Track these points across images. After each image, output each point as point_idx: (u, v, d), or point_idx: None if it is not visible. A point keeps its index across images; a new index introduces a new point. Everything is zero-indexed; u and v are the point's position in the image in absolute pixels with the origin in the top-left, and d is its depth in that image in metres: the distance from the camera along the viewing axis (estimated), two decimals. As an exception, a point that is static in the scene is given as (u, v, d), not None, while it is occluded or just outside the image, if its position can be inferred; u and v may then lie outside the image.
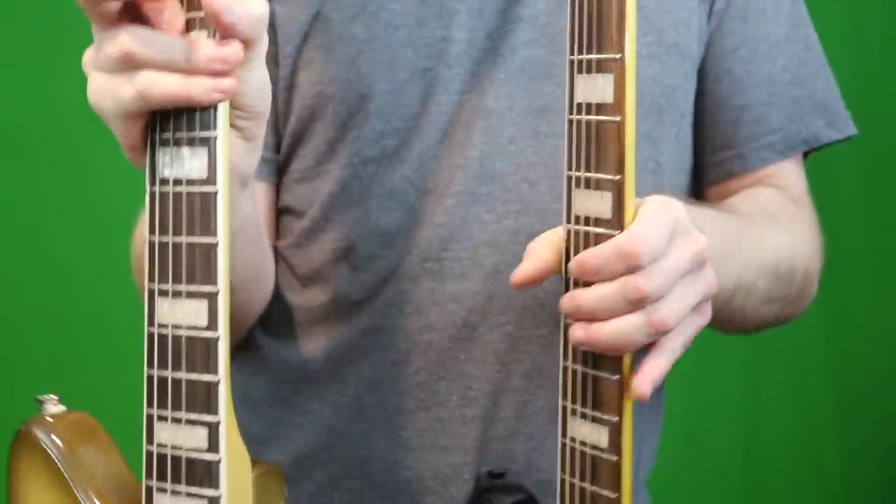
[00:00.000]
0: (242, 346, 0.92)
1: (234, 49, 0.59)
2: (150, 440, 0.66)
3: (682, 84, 0.86)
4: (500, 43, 0.82)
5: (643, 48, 0.83)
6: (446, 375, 0.82)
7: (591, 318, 0.65)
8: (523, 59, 0.83)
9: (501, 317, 0.82)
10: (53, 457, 0.76)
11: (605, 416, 0.67)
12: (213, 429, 0.64)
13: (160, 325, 0.65)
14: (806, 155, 0.98)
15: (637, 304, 0.64)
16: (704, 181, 0.93)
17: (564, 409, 0.69)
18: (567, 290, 0.67)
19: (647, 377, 0.66)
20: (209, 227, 0.62)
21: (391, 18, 0.82)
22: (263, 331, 0.90)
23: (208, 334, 0.64)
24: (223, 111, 0.61)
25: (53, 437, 0.77)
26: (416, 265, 0.82)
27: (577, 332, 0.66)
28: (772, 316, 0.91)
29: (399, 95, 0.82)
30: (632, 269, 0.64)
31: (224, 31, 0.59)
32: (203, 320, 0.64)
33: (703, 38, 0.88)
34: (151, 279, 0.65)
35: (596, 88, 0.65)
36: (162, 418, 0.65)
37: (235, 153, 0.66)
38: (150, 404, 0.66)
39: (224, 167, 0.62)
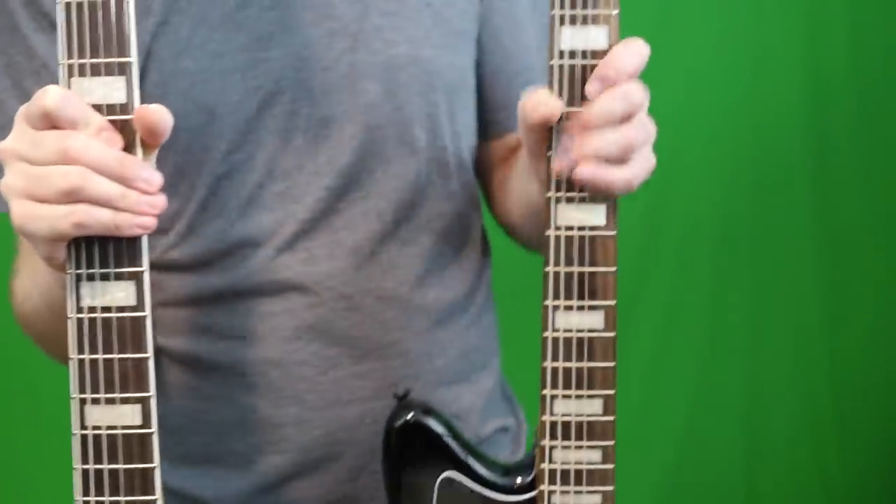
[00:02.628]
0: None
1: (160, 200, 0.72)
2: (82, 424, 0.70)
3: (470, 63, 0.99)
4: (322, 55, 0.92)
5: (438, 39, 0.95)
6: (335, 342, 0.94)
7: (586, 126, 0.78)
8: (345, 65, 0.92)
9: (370, 284, 0.95)
10: None
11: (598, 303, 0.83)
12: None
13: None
14: None
15: (629, 115, 0.77)
16: (488, 137, 1.04)
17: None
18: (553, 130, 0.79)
19: (592, 168, 0.78)
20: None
21: (216, 48, 0.90)
22: (163, 335, 0.97)
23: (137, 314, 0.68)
24: (145, 246, 0.71)
25: None
26: (288, 256, 0.93)
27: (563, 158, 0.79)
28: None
29: (236, 116, 0.91)
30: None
31: (153, 140, 0.72)
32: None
33: (477, 18, 0.99)
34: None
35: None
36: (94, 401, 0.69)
37: None
38: (80, 389, 0.70)
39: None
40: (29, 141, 0.70)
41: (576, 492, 0.84)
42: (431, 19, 0.95)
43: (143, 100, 0.86)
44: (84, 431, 0.70)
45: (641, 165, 0.80)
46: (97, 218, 0.69)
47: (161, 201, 0.72)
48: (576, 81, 0.77)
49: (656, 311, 2.13)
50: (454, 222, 0.99)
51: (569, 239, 0.80)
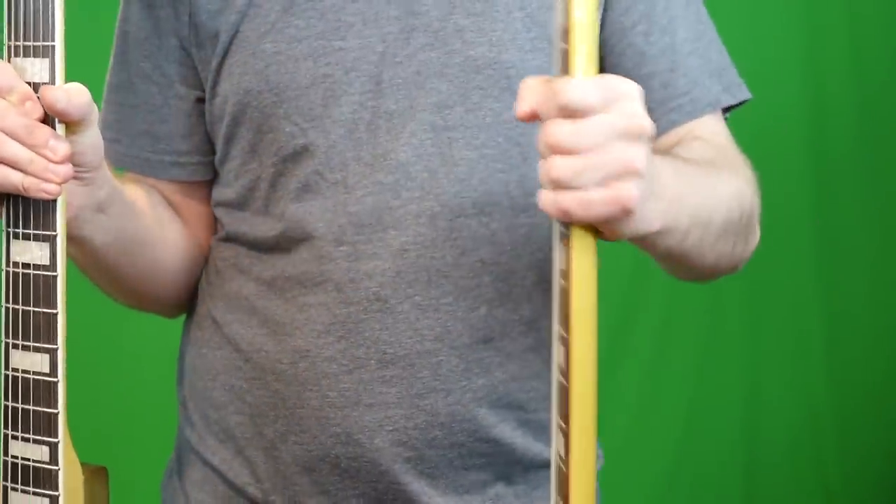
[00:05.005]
0: (207, 324, 1.04)
1: (64, 169, 0.79)
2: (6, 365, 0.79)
3: None
4: (397, 49, 0.92)
5: (527, 43, 0.93)
6: (363, 343, 0.93)
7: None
8: (419, 62, 0.92)
9: (409, 289, 0.93)
10: None
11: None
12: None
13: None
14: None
15: (549, 147, 0.68)
16: None
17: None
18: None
19: (552, 197, 0.69)
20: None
21: (294, 33, 0.93)
22: (222, 310, 1.03)
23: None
24: (60, 211, 0.78)
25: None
26: (333, 248, 0.93)
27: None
28: (727, 252, 0.95)
29: (303, 101, 0.93)
30: (560, 110, 0.67)
31: (60, 117, 0.79)
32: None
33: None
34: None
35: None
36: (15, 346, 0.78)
37: (81, 198, 0.86)
38: (7, 334, 0.78)
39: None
40: None
41: None
42: (522, 22, 0.93)
43: (225, 77, 0.96)
44: (7, 372, 0.78)
45: (582, 199, 0.68)
46: (7, 178, 0.78)
47: (64, 170, 0.79)
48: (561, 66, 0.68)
49: (655, 311, 2.13)
50: (531, 240, 0.95)
51: None
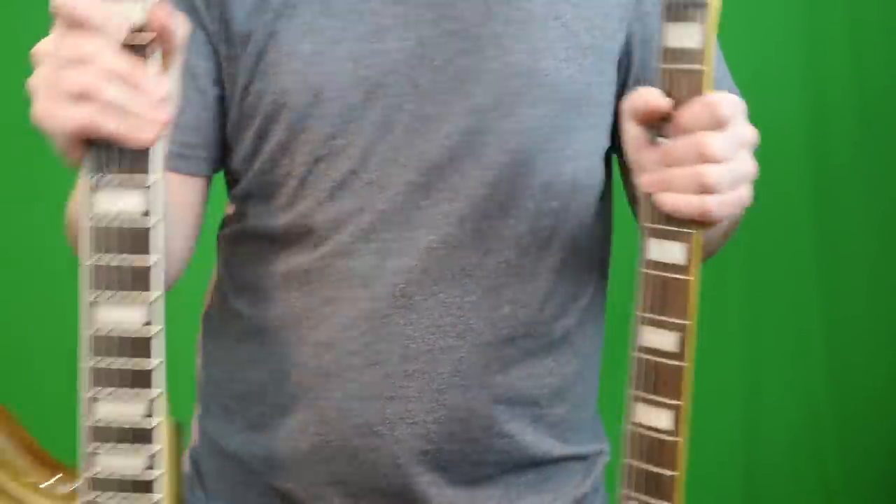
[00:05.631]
0: (228, 316, 1.05)
1: (165, 112, 0.72)
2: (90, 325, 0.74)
3: (598, 79, 0.98)
4: (435, 53, 0.93)
5: (562, 52, 0.95)
6: (387, 338, 0.95)
7: (666, 165, 0.80)
8: (456, 66, 0.94)
9: (435, 287, 0.95)
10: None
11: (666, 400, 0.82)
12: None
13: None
14: None
15: (701, 157, 0.78)
16: None
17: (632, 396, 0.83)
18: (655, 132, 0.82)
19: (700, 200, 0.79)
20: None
21: (333, 35, 0.93)
22: (242, 303, 1.03)
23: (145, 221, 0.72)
24: (158, 157, 0.72)
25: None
26: (362, 245, 0.95)
27: (645, 178, 0.81)
28: (725, 240, 1.10)
29: (342, 102, 0.93)
30: (715, 123, 0.78)
31: (167, 42, 0.72)
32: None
33: (616, 36, 0.99)
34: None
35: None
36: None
37: None
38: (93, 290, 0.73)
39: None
40: (55, 42, 0.72)
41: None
42: (557, 31, 0.95)
43: (259, 76, 0.95)
44: (92, 331, 0.73)
45: (722, 202, 0.79)
46: (103, 121, 0.71)
47: (164, 114, 0.72)
48: (671, 85, 0.79)
49: None
50: (554, 243, 0.97)
51: (651, 277, 0.81)
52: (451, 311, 0.95)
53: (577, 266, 1.00)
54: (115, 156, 0.71)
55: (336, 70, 0.93)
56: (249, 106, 0.95)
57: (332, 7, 0.93)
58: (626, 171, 1.06)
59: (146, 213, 0.72)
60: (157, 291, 0.72)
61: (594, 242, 1.01)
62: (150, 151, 0.71)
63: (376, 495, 0.97)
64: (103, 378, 0.73)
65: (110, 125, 0.70)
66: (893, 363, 2.21)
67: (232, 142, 0.98)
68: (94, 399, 0.74)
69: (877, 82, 2.15)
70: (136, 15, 0.70)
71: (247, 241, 1.00)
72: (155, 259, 0.72)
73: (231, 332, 1.02)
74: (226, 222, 1.04)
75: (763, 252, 2.16)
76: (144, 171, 0.71)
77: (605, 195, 1.01)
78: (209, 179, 1.01)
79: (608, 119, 0.99)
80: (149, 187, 0.71)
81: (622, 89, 0.99)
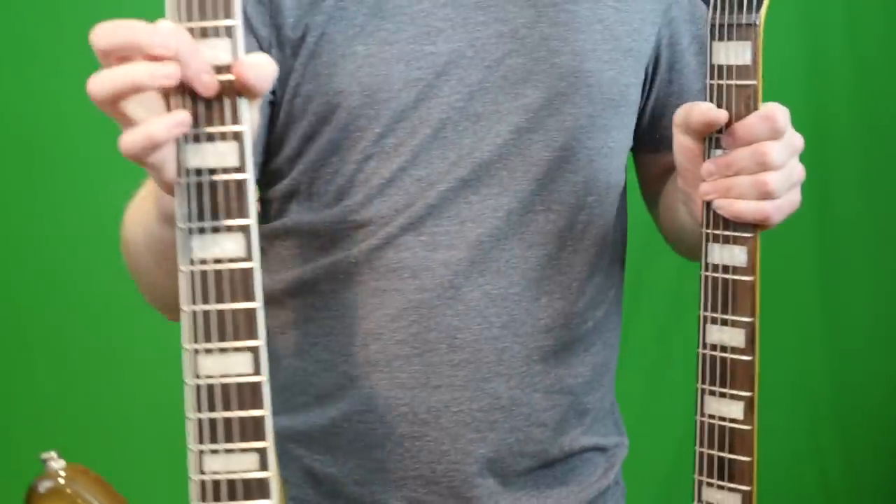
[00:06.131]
0: (269, 303, 1.05)
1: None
2: (195, 374, 0.71)
3: (634, 81, 1.03)
4: (486, 54, 0.96)
5: (605, 55, 0.99)
6: (435, 328, 0.97)
7: (725, 174, 0.87)
8: (507, 67, 0.97)
9: (481, 278, 0.98)
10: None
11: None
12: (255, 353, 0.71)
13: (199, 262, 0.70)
14: None
15: (762, 166, 0.85)
16: (660, 150, 1.08)
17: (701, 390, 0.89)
18: (710, 143, 0.88)
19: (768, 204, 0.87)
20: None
21: (386, 37, 0.95)
22: (287, 295, 1.03)
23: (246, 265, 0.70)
24: (252, 198, 0.70)
25: (63, 489, 0.87)
26: (412, 238, 0.97)
27: (706, 187, 0.88)
28: None
29: (394, 103, 0.95)
30: (773, 133, 0.85)
31: (252, 93, 0.69)
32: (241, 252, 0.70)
33: (650, 39, 1.04)
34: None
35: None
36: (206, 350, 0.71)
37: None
38: (192, 339, 0.71)
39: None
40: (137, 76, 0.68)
41: None
42: (601, 34, 0.98)
43: (310, 78, 0.96)
44: (197, 381, 0.71)
45: (778, 206, 0.87)
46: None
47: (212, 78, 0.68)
48: (723, 100, 0.86)
49: (657, 310, 2.15)
50: (588, 237, 1.01)
51: (715, 280, 0.87)
52: (497, 303, 0.98)
53: (607, 259, 1.04)
54: (212, 202, 0.70)
55: (389, 71, 0.95)
56: (298, 108, 0.97)
57: (382, 10, 0.95)
58: (645, 172, 1.12)
59: (246, 257, 0.70)
60: (261, 339, 0.71)
61: (619, 236, 1.06)
62: (247, 192, 0.70)
63: (419, 483, 0.99)
64: (209, 430, 0.71)
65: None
66: (893, 363, 2.23)
67: (276, 143, 1.00)
68: (201, 452, 0.72)
69: (876, 77, 2.17)
70: (223, 56, 0.68)
71: (287, 236, 1.02)
72: (258, 304, 0.70)
73: (272, 326, 1.03)
74: (261, 220, 1.04)
75: (763, 252, 2.17)
76: (243, 214, 0.70)
77: (623, 192, 1.06)
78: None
79: (634, 119, 1.05)
80: (247, 229, 0.70)
81: (646, 91, 1.05)
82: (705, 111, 0.86)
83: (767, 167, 0.85)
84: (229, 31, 0.68)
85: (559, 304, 1.00)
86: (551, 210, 0.98)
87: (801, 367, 2.21)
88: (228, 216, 0.69)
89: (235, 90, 0.69)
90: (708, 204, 0.87)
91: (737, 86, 0.85)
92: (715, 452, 0.86)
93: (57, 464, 0.88)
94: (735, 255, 0.85)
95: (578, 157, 0.99)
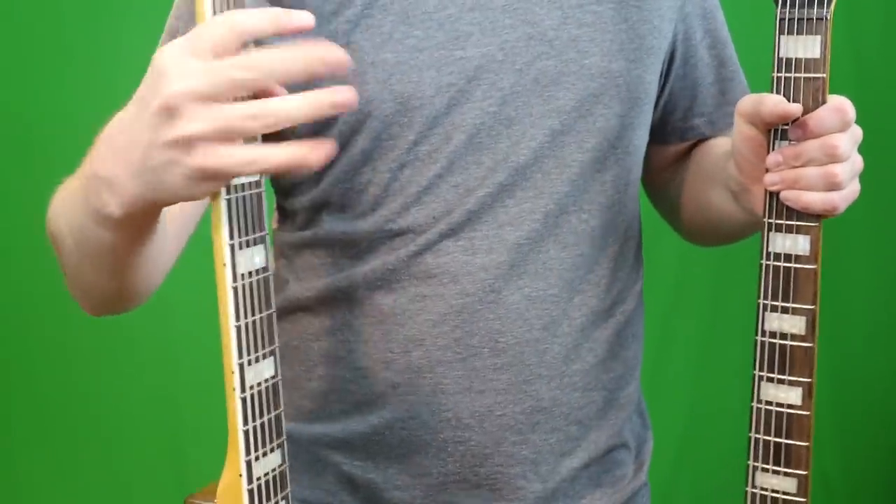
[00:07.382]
0: (295, 317, 1.05)
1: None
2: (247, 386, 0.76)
3: (654, 79, 1.04)
4: (515, 58, 0.96)
5: (631, 54, 1.00)
6: (478, 332, 0.97)
7: (793, 165, 0.89)
8: (537, 70, 0.96)
9: (520, 281, 0.98)
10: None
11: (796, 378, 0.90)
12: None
13: None
14: None
15: (831, 157, 0.88)
16: (670, 141, 1.12)
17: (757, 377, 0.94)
18: (774, 134, 0.90)
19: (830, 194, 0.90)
20: None
21: (415, 44, 0.95)
22: (322, 303, 1.02)
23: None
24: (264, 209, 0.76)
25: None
26: (451, 243, 0.97)
27: (772, 177, 0.90)
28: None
29: (427, 110, 0.95)
30: (843, 126, 0.88)
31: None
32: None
33: (668, 36, 1.05)
34: None
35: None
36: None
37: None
38: (240, 354, 0.76)
39: None
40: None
41: None
42: (626, 34, 0.99)
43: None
44: (251, 392, 0.76)
45: (844, 197, 0.90)
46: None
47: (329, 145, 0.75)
48: (790, 92, 0.88)
49: (657, 310, 2.11)
50: (615, 234, 1.03)
51: (776, 269, 0.91)
52: (536, 305, 0.98)
53: (631, 253, 1.06)
54: (246, 213, 0.74)
55: (420, 78, 0.94)
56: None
57: (409, 16, 0.95)
58: (652, 163, 1.12)
59: (267, 267, 0.75)
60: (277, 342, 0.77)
61: (637, 230, 1.07)
62: (264, 205, 0.75)
63: (461, 487, 0.99)
64: (252, 438, 0.76)
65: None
66: (893, 359, 2.25)
67: None
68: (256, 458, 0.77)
69: (876, 77, 2.19)
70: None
71: (320, 246, 1.02)
72: (274, 309, 0.77)
73: (303, 332, 1.03)
74: (284, 228, 1.05)
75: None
76: (263, 227, 0.74)
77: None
78: None
79: (651, 115, 1.06)
80: (264, 239, 0.75)
81: (660, 85, 1.06)
82: (778, 103, 0.88)
83: (836, 159, 0.88)
84: None
85: (592, 301, 1.01)
86: (583, 210, 0.99)
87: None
88: (259, 229, 0.74)
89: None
90: (772, 194, 0.89)
91: (805, 79, 0.87)
92: (771, 438, 0.88)
93: None
94: (798, 243, 0.88)
95: (609, 157, 1.00)
